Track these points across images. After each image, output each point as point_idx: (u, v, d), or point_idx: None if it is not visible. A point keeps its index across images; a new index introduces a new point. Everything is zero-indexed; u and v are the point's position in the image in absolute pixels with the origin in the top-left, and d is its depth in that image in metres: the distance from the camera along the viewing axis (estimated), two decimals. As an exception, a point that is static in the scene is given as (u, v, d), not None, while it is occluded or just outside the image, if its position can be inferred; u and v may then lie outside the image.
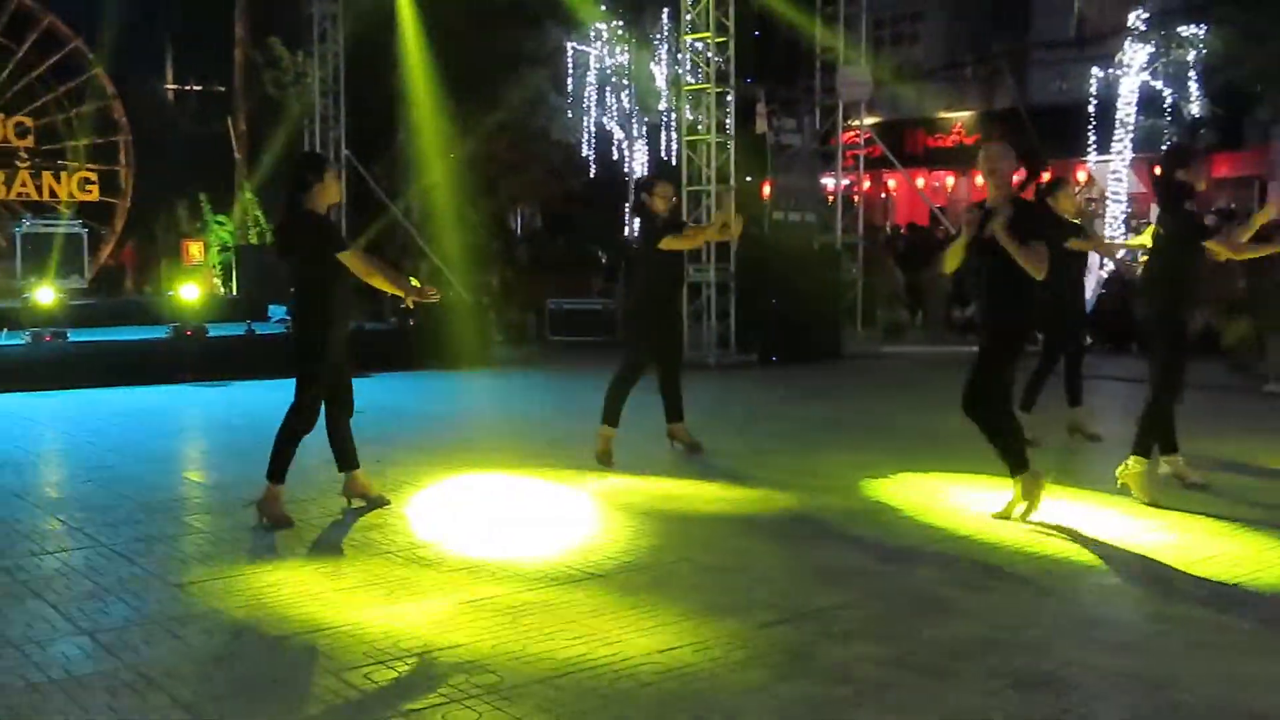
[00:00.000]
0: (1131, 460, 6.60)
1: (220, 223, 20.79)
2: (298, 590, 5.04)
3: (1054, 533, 5.94)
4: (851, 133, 17.45)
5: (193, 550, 5.80)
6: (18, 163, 18.94)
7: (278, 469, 6.18)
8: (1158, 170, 6.68)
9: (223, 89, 22.79)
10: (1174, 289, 6.60)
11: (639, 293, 8.09)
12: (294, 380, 6.19)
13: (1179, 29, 17.97)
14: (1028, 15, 22.77)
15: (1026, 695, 3.85)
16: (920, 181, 23.89)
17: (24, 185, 19.04)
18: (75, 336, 12.68)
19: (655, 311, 8.03)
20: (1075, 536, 5.87)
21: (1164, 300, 6.60)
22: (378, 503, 6.56)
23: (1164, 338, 6.62)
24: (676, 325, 9.08)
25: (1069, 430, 8.61)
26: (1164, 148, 18.34)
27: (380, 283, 6.29)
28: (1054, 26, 22.12)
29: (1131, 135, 18.76)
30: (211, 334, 13.30)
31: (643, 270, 8.05)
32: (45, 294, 14.48)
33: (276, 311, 15.77)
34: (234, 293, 18.78)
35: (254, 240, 20.57)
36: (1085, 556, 5.54)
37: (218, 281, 19.82)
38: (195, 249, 19.69)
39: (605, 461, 7.80)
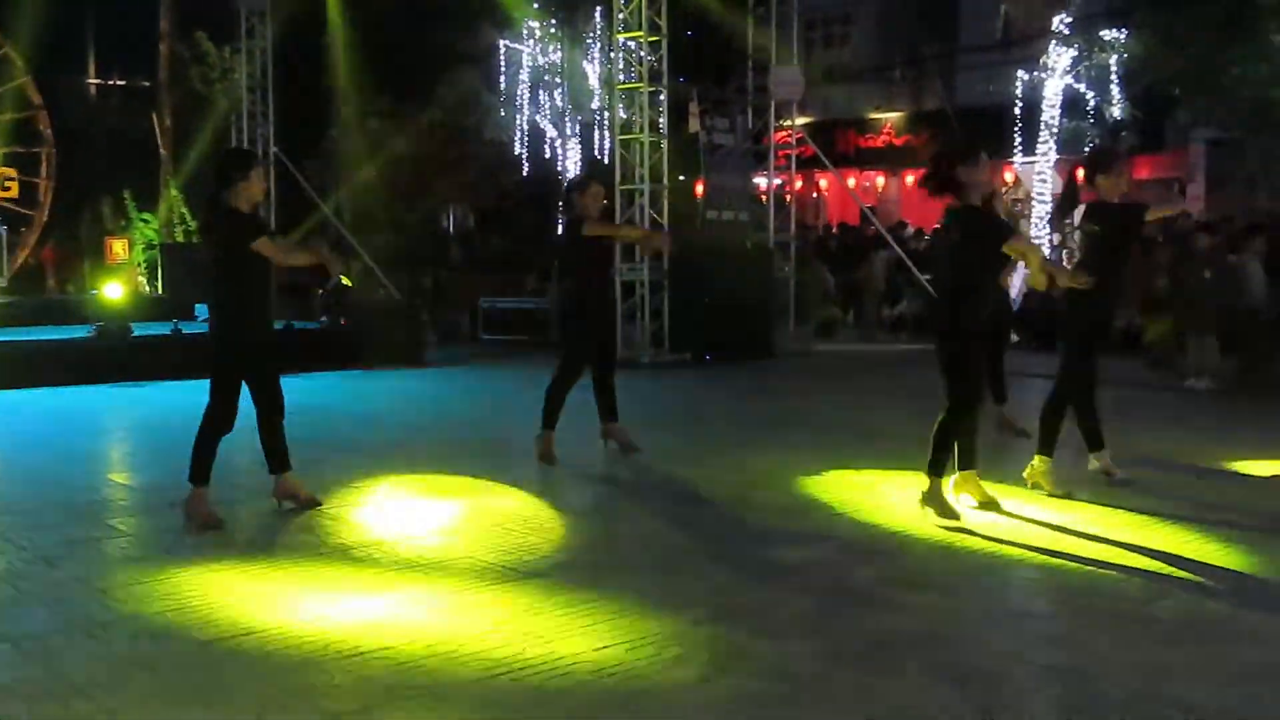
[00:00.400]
0: (1036, 459, 6.76)
1: (145, 220, 20.39)
2: (225, 593, 4.95)
3: (985, 529, 6.03)
4: (783, 132, 17.56)
5: (116, 553, 5.67)
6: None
7: (199, 470, 6.09)
8: (1080, 174, 6.79)
9: (147, 84, 22.36)
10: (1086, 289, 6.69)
11: (574, 292, 8.07)
12: (210, 380, 6.12)
13: (1101, 33, 18.34)
14: (955, 19, 23.12)
15: (958, 689, 3.89)
16: (851, 181, 24.14)
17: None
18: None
19: (593, 310, 8.03)
20: (1005, 532, 5.96)
21: (1072, 298, 6.74)
22: (309, 504, 6.46)
23: (1069, 335, 6.84)
24: (612, 324, 9.08)
25: (998, 426, 8.74)
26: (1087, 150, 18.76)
27: (301, 259, 6.39)
28: (980, 30, 22.48)
29: (1056, 137, 19.11)
30: (136, 333, 13.04)
31: (575, 269, 8.03)
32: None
33: (204, 310, 15.51)
34: (159, 291, 18.44)
35: (180, 238, 20.21)
36: (1015, 552, 5.63)
37: (143, 280, 19.45)
38: (119, 247, 19.29)
39: (550, 462, 7.77)
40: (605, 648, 4.26)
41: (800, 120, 18.60)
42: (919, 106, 23.71)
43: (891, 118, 24.26)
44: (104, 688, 3.91)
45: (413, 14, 21.18)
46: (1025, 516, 6.25)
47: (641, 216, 14.64)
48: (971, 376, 6.18)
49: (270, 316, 6.30)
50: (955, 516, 6.07)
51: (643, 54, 14.84)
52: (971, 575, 5.27)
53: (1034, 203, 19.60)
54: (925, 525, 6.05)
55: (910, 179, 23.81)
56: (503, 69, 21.84)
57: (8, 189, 18.80)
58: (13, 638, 4.38)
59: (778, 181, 17.28)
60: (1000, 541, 5.79)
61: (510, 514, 6.48)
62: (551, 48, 21.88)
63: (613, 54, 17.37)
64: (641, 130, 14.69)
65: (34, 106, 18.77)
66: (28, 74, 18.30)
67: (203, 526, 5.98)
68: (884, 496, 6.75)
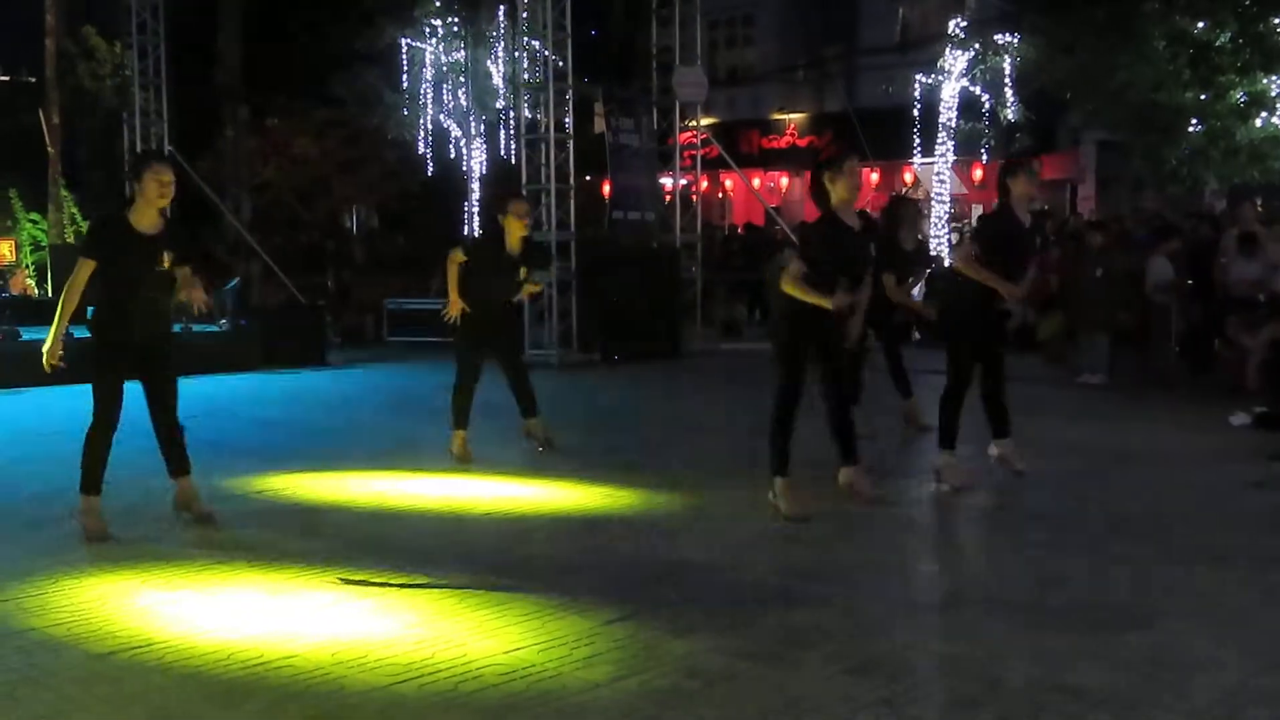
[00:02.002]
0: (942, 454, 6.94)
1: (34, 220, 19.76)
2: (123, 604, 4.82)
3: (885, 522, 6.14)
4: (688, 133, 17.67)
5: (8, 565, 5.48)
6: None
7: (87, 479, 5.92)
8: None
9: (33, 80, 21.66)
10: (962, 285, 6.88)
11: (474, 298, 7.96)
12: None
13: (995, 37, 18.78)
14: (855, 22, 23.47)
15: (860, 679, 3.96)
16: (756, 182, 24.37)
17: None
18: None
19: (493, 315, 7.96)
20: (904, 524, 6.08)
21: (948, 294, 6.95)
22: (203, 518, 6.26)
23: (949, 330, 7.06)
24: (515, 324, 9.00)
25: (903, 419, 8.88)
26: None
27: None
28: (879, 33, 22.87)
29: (953, 138, 19.52)
30: (25, 338, 12.61)
31: (482, 278, 7.92)
32: None
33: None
34: (49, 294, 17.87)
35: (70, 239, 19.63)
36: (912, 545, 5.75)
37: (31, 283, 18.83)
38: (5, 248, 18.67)
39: (465, 461, 7.76)
40: (517, 649, 4.24)
41: (705, 121, 18.73)
42: (821, 108, 24.02)
43: (795, 119, 24.54)
44: (-5, 705, 3.78)
45: (310, 10, 20.83)
46: (927, 509, 6.38)
47: (548, 217, 14.61)
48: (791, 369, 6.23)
49: (142, 319, 5.95)
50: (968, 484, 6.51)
51: (547, 53, 14.81)
52: (874, 568, 5.36)
53: (933, 202, 19.99)
54: (827, 521, 6.13)
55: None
56: (405, 68, 21.57)
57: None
58: (-104, 655, 4.21)
59: (683, 182, 17.38)
60: (904, 531, 5.90)
61: (417, 516, 6.42)
62: (455, 46, 21.68)
63: (517, 53, 17.30)
64: (547, 130, 14.66)
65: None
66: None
67: (90, 538, 5.81)
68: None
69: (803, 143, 24.32)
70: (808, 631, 4.44)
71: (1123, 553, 5.56)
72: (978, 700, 3.81)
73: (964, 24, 19.17)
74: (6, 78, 23.87)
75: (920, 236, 8.52)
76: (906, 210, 8.72)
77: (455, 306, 7.94)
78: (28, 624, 4.59)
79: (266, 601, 4.84)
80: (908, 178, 21.88)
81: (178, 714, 3.72)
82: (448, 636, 4.37)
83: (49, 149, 19.96)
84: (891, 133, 20.24)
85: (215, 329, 14.38)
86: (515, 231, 7.86)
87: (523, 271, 7.98)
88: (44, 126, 19.98)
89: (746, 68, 25.19)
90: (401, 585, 5.05)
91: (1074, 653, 4.20)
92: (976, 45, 18.88)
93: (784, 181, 25.70)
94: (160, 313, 6.12)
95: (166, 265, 5.95)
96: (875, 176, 21.83)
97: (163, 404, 6.10)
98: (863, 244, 6.18)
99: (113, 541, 5.80)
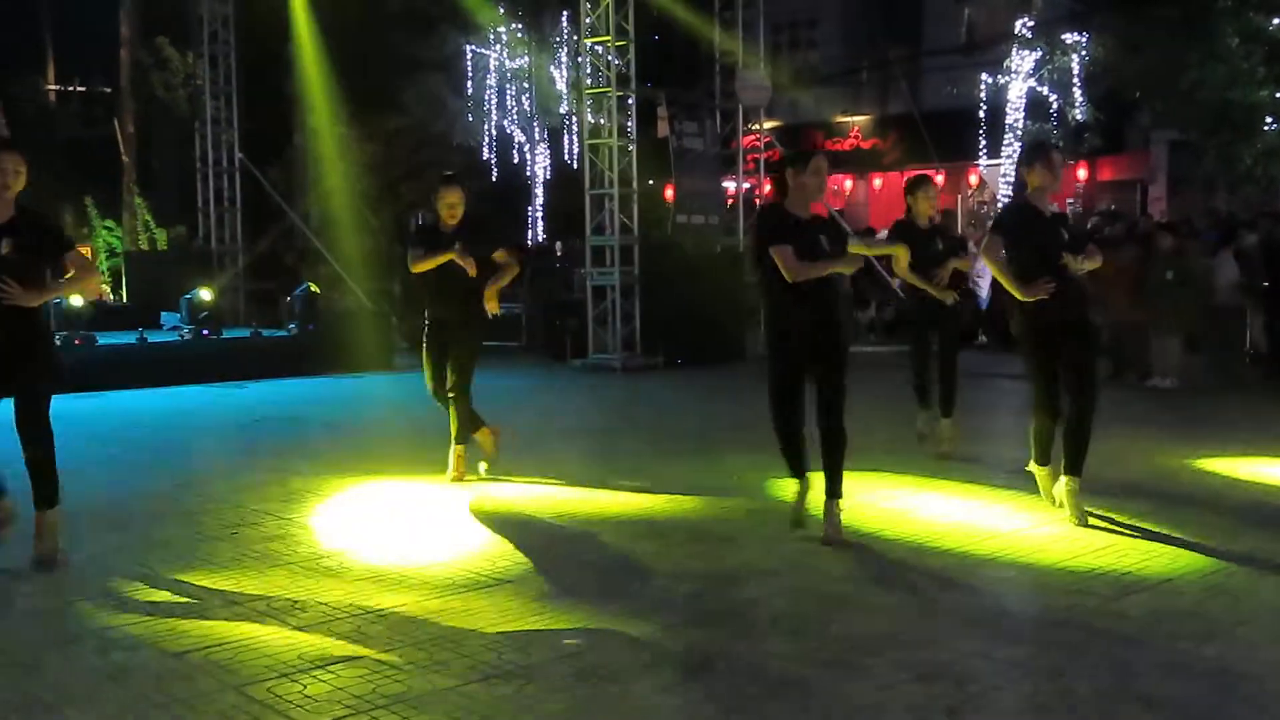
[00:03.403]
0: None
1: (109, 228, 20.23)
2: (196, 604, 4.92)
3: (949, 529, 6.08)
4: (752, 136, 17.63)
5: (85, 567, 5.62)
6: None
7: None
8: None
9: (108, 90, 22.17)
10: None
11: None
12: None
13: (1063, 36, 18.52)
14: (919, 22, 23.26)
15: (928, 687, 3.93)
16: (819, 185, 24.18)
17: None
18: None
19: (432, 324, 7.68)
20: (970, 531, 6.02)
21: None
22: (39, 561, 5.45)
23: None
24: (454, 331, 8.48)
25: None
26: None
27: None
28: (944, 33, 22.64)
29: (1019, 139, 19.28)
30: (101, 342, 12.91)
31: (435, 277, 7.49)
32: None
33: (170, 319, 15.39)
34: (124, 300, 18.28)
35: (144, 245, 20.06)
36: (981, 550, 5.68)
37: (106, 289, 19.27)
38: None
39: (493, 462, 7.62)
40: (580, 652, 4.26)
41: (768, 124, 18.67)
42: (885, 110, 23.84)
43: (858, 121, 24.38)
44: (77, 702, 3.88)
45: (377, 19, 21.10)
46: (993, 515, 6.30)
47: (611, 221, 14.66)
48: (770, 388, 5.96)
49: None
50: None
51: (610, 58, 14.86)
52: (941, 574, 5.31)
53: (999, 204, 19.76)
54: (892, 525, 6.09)
55: (878, 182, 23.94)
56: (470, 74, 21.78)
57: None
58: (-19, 652, 4.34)
59: (747, 185, 17.34)
60: (970, 537, 5.84)
61: (481, 520, 6.48)
62: (518, 52, 21.86)
63: (580, 58, 17.38)
64: (610, 135, 14.71)
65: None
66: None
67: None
68: (854, 498, 6.78)
69: (866, 145, 24.15)
70: (873, 638, 4.42)
71: (1195, 561, 5.46)
72: (1047, 708, 3.76)
73: (1031, 23, 18.93)
74: (83, 88, 24.46)
75: (934, 215, 8.31)
76: (920, 187, 8.42)
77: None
78: (106, 623, 4.70)
79: (333, 603, 4.90)
80: (973, 179, 21.64)
81: (248, 713, 3.79)
82: (512, 639, 4.39)
83: (123, 157, 20.41)
84: (957, 134, 20.04)
85: (284, 334, 14.61)
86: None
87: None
88: (119, 135, 20.44)
89: (810, 70, 25.06)
90: (464, 589, 5.08)
91: (1146, 662, 4.13)
92: (1044, 45, 18.64)
93: (848, 185, 25.52)
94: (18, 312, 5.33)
95: (6, 251, 5.28)
96: (941, 179, 21.60)
97: (19, 423, 5.41)
98: (813, 235, 5.84)
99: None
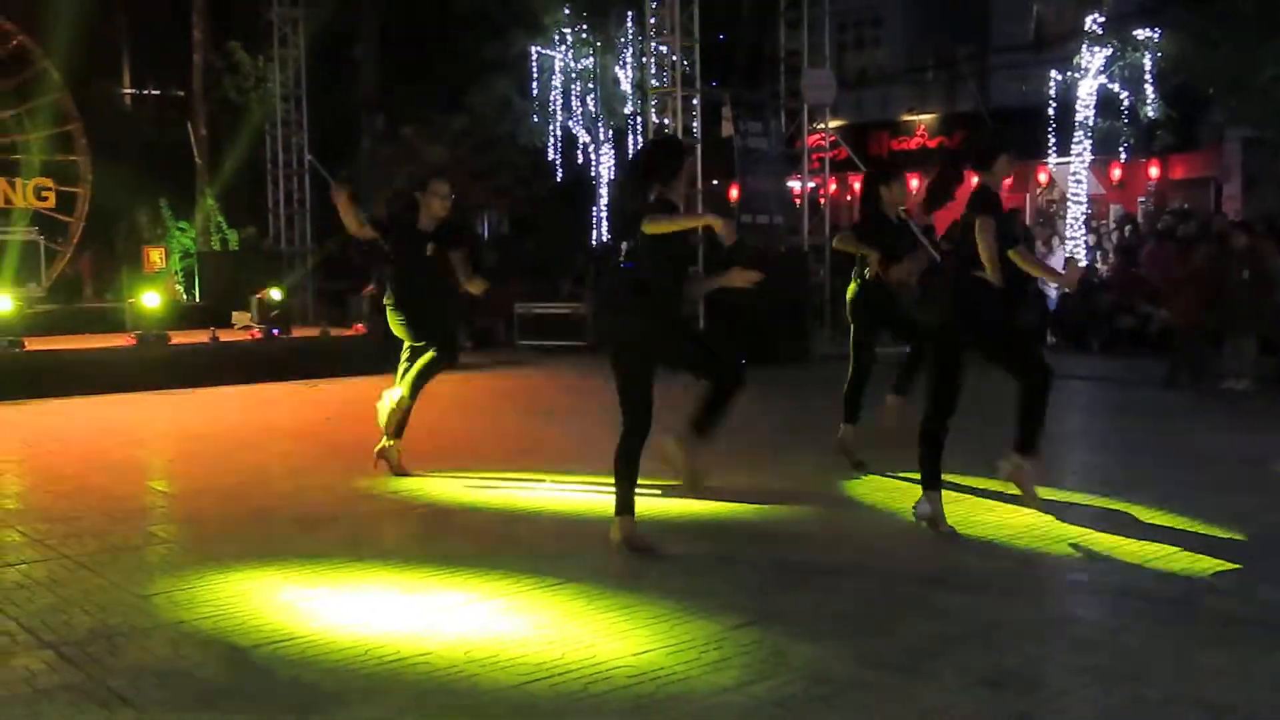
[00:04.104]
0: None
1: (182, 229, 20.61)
2: (266, 599, 4.99)
3: (1018, 531, 5.99)
4: (817, 135, 17.53)
5: (157, 560, 5.74)
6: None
7: None
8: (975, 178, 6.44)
9: (181, 93, 22.59)
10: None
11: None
12: None
13: (1134, 32, 18.18)
14: (986, 19, 22.97)
15: (996, 692, 3.88)
16: (884, 184, 23.98)
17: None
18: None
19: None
20: (1038, 535, 5.92)
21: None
22: None
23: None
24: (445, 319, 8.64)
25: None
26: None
27: None
28: (1013, 30, 22.32)
29: (1090, 137, 18.97)
30: (174, 342, 13.17)
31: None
32: (3, 302, 14.29)
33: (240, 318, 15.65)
34: (197, 300, 18.62)
35: (216, 246, 20.42)
36: (1050, 553, 5.60)
37: (180, 288, 19.64)
38: (156, 255, 19.46)
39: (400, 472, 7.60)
40: (644, 652, 4.26)
41: (833, 123, 18.55)
42: (952, 108, 23.57)
43: (925, 120, 24.12)
44: (147, 694, 3.95)
45: (444, 22, 21.31)
46: (1063, 518, 6.20)
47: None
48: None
49: None
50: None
51: (675, 58, 14.86)
52: (1009, 577, 5.24)
53: (1069, 203, 19.45)
54: (960, 527, 6.01)
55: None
56: (535, 75, 21.90)
57: (45, 199, 18.96)
58: (55, 645, 4.43)
59: (812, 184, 17.24)
60: (1038, 541, 5.75)
61: (546, 518, 6.51)
62: (583, 53, 21.93)
63: (645, 59, 17.40)
64: (675, 134, 14.70)
65: (71, 119, 18.87)
66: (65, 87, 18.46)
67: None
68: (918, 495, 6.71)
69: (933, 144, 23.87)
70: (941, 640, 4.37)
71: (1272, 567, 5.33)
72: (1117, 714, 3.69)
73: (1101, 20, 18.60)
74: (158, 91, 24.95)
75: (902, 210, 8.04)
76: (891, 179, 8.21)
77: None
78: (177, 617, 4.79)
79: (401, 600, 4.95)
80: (1042, 178, 21.32)
81: (317, 707, 3.84)
82: (576, 638, 4.41)
83: (196, 159, 20.79)
84: (1026, 132, 19.74)
85: (352, 333, 14.81)
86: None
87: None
88: (191, 138, 20.83)
89: (875, 68, 24.85)
90: (529, 587, 5.11)
91: (1217, 669, 4.04)
92: (1115, 41, 18.32)
93: (914, 184, 25.27)
94: None
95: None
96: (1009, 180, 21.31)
97: None
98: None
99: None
